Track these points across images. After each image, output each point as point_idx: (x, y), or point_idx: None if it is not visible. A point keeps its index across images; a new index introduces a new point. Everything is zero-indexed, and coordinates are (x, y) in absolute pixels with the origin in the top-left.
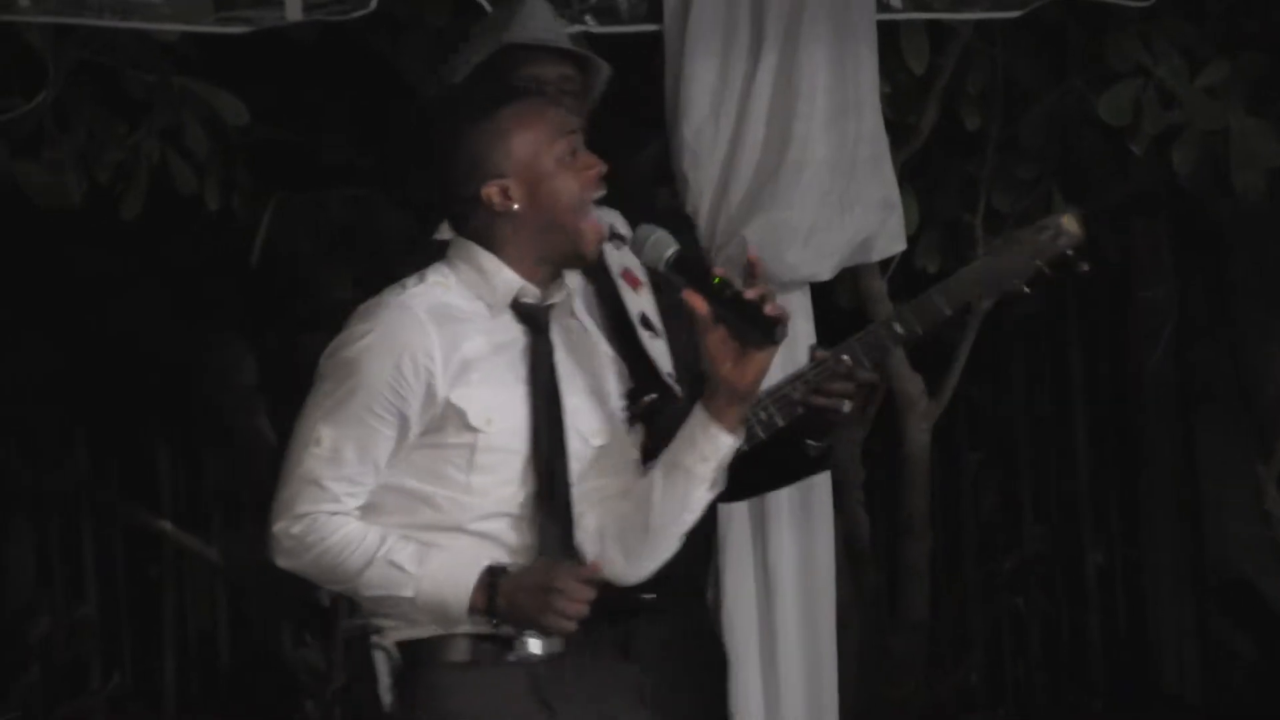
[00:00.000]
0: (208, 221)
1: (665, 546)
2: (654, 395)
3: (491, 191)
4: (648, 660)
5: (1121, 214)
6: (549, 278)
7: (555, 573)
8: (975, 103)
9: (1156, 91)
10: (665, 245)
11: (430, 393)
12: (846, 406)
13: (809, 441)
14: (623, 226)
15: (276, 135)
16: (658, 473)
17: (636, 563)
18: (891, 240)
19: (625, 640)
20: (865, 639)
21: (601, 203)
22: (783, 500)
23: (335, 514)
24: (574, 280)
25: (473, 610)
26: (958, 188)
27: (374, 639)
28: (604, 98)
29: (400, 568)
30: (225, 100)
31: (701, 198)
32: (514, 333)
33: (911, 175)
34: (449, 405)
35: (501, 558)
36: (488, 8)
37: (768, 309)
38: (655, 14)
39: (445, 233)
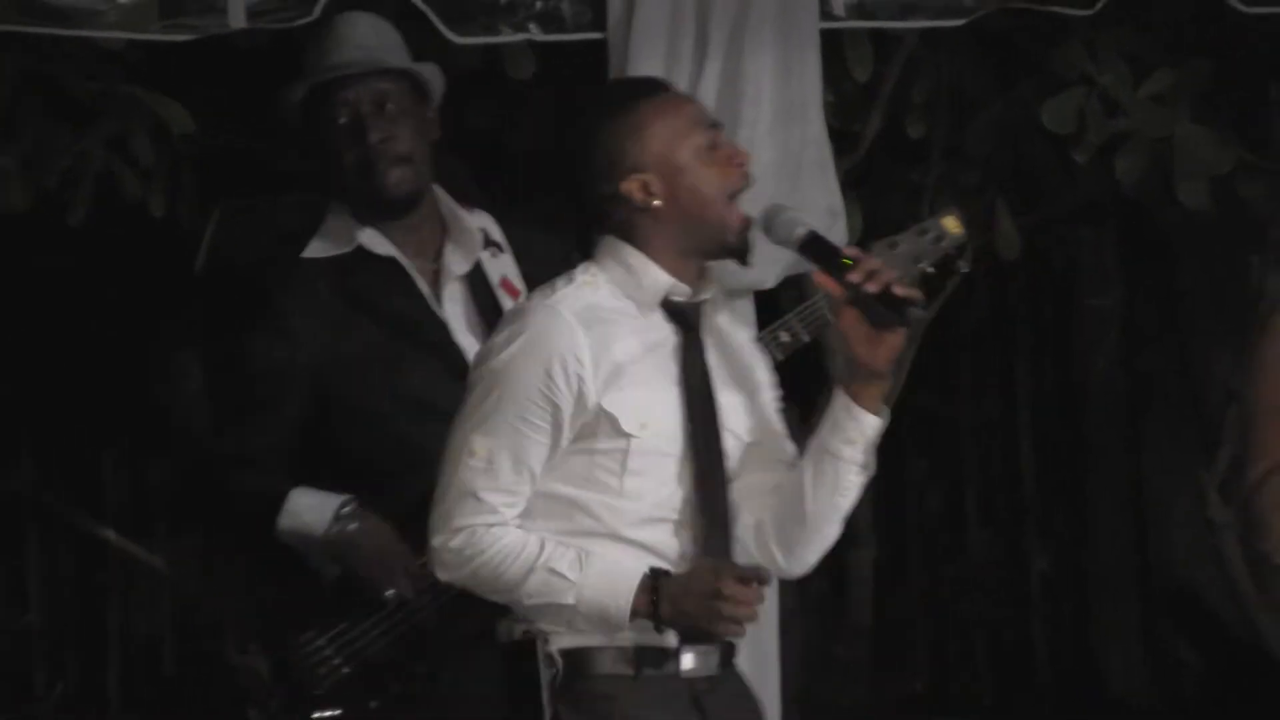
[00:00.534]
0: (155, 227)
1: (824, 536)
2: None
3: (631, 187)
4: None
5: (1068, 222)
6: (697, 273)
7: (721, 577)
8: (920, 111)
9: (1101, 100)
10: (795, 224)
11: (581, 398)
12: None
13: None
14: (497, 232)
15: (224, 142)
16: (808, 461)
17: (798, 556)
18: None
19: None
20: (810, 646)
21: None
22: None
23: (493, 525)
24: (455, 289)
25: (635, 615)
26: (902, 196)
27: (537, 647)
28: (551, 106)
29: (561, 575)
30: (170, 108)
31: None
32: (664, 332)
33: (856, 183)
34: (601, 410)
35: (659, 564)
36: (432, 16)
37: (897, 289)
38: (599, 22)
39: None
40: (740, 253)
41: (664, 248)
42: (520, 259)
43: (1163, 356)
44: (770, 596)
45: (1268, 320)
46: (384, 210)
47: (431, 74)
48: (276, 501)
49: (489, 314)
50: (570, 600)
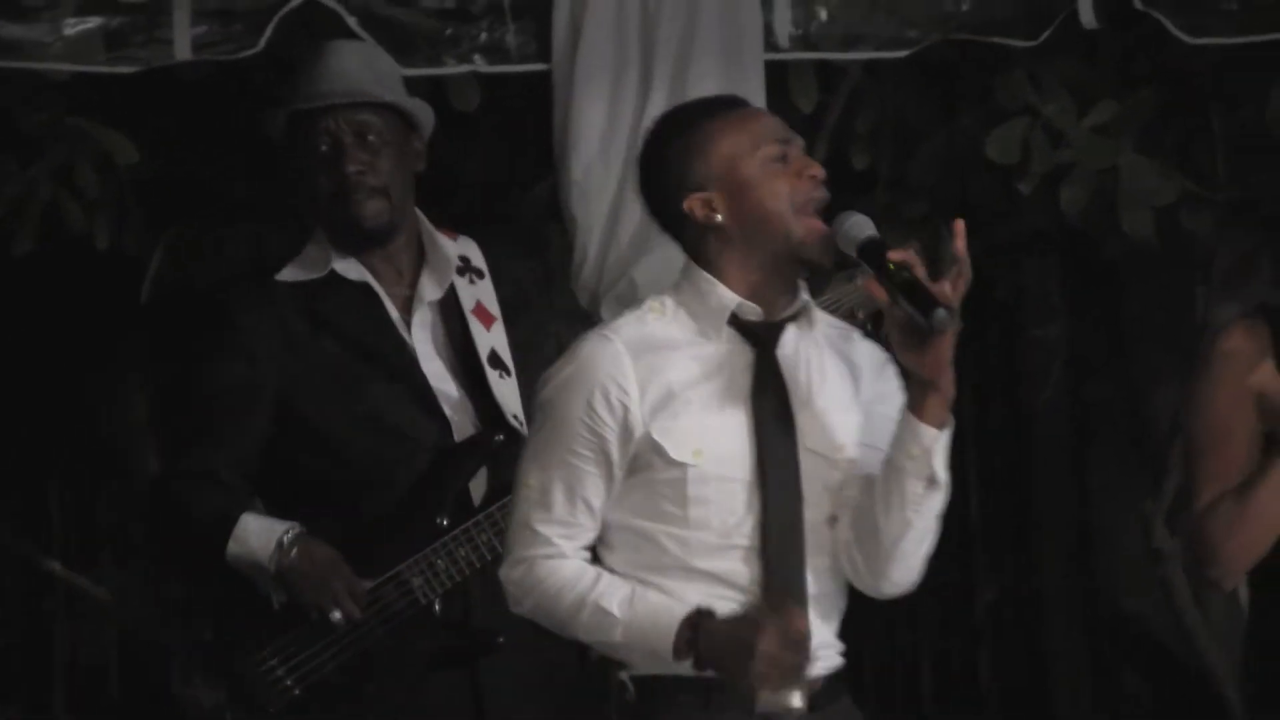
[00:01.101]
0: (100, 258)
1: (905, 555)
2: (500, 436)
3: (693, 204)
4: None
5: (1013, 252)
6: (777, 290)
7: (758, 632)
8: (864, 142)
9: (1045, 130)
10: (861, 229)
11: (627, 427)
12: None
13: None
14: (478, 259)
15: (170, 173)
16: (879, 478)
17: (882, 576)
18: None
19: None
20: None
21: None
22: None
23: (551, 558)
24: (425, 315)
25: (677, 655)
26: None
27: (615, 672)
28: (497, 138)
29: (608, 612)
30: (115, 139)
31: (590, 236)
32: (733, 353)
33: None
34: (649, 440)
35: (735, 596)
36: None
37: (933, 288)
38: (544, 53)
39: None
40: (818, 264)
41: (733, 266)
42: (499, 284)
43: (1108, 387)
44: None
45: (1208, 352)
46: (359, 240)
47: (418, 107)
48: (229, 524)
49: (458, 340)
50: (618, 638)
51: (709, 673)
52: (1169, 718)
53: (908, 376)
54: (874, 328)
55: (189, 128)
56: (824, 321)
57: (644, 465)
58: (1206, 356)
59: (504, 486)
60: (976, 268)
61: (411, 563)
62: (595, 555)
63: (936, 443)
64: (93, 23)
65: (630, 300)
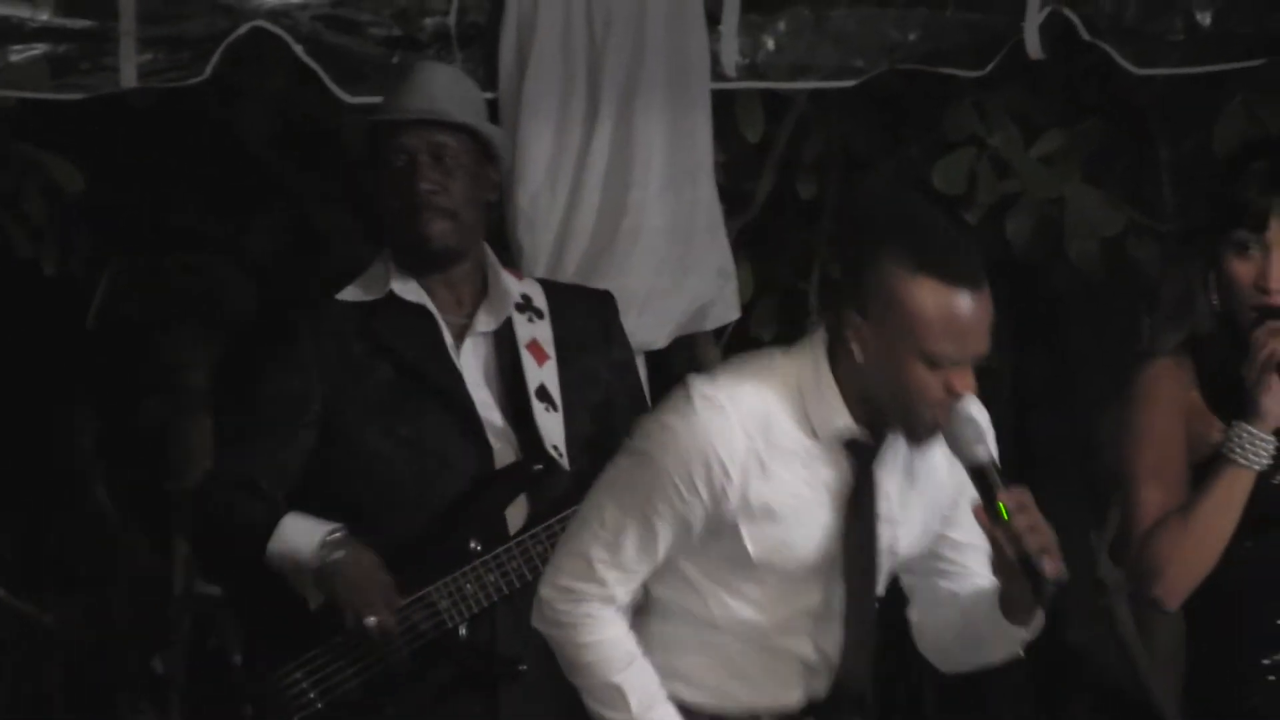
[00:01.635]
0: (47, 285)
1: (980, 664)
2: (539, 466)
3: (850, 321)
4: None
5: None
6: (885, 424)
7: None
8: (811, 171)
9: (991, 161)
10: (975, 442)
11: (717, 509)
12: None
13: None
14: (540, 300)
15: (119, 199)
16: (962, 624)
17: (953, 666)
18: (727, 308)
19: (491, 709)
20: None
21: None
22: None
23: (602, 601)
24: (478, 343)
25: None
26: (793, 256)
27: None
28: None
29: (625, 700)
30: (61, 166)
31: (537, 265)
32: (837, 463)
33: (747, 243)
34: (734, 529)
35: (764, 660)
36: (324, 76)
37: (1045, 565)
38: (491, 82)
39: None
40: (915, 444)
41: (854, 392)
42: (557, 327)
43: (1053, 417)
44: None
45: (1136, 383)
46: (423, 260)
47: (498, 135)
48: (270, 527)
49: (508, 372)
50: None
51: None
52: None
53: (1001, 583)
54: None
55: (136, 155)
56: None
57: (718, 540)
58: (1134, 388)
59: (541, 515)
60: None
61: (440, 585)
62: None
63: (1025, 639)
64: (39, 49)
65: None
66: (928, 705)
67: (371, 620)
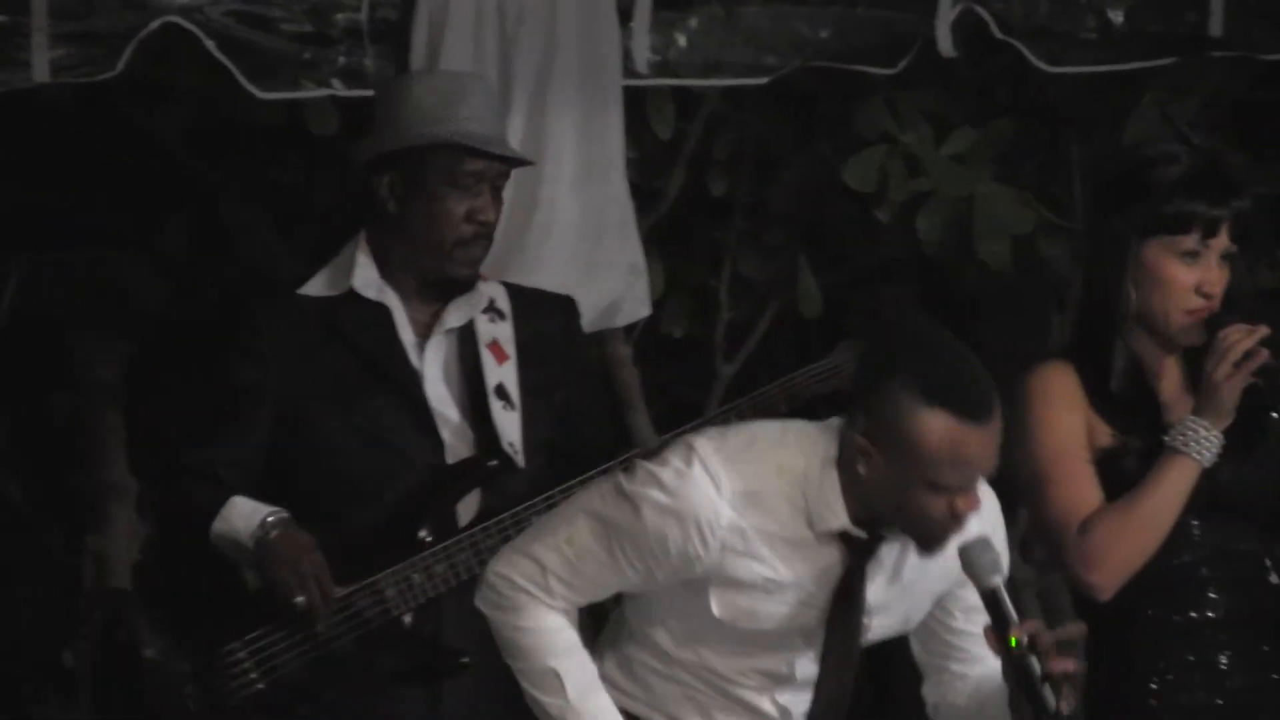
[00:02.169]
0: None
1: None
2: (494, 462)
3: (856, 440)
4: None
5: (869, 280)
6: (884, 526)
7: None
8: (722, 168)
9: (903, 159)
10: (992, 572)
11: (690, 571)
12: None
13: None
14: (504, 302)
15: (28, 196)
16: (972, 714)
17: None
18: (637, 305)
19: (433, 701)
20: None
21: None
22: None
23: (543, 598)
24: (440, 342)
25: None
26: (704, 253)
27: None
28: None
29: (561, 686)
30: None
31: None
32: (824, 552)
33: (658, 240)
34: (705, 589)
35: (721, 702)
36: (235, 71)
37: (1050, 696)
38: None
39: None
40: (926, 553)
41: (857, 496)
42: (519, 329)
43: None
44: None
45: (1024, 391)
46: (455, 283)
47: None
48: (217, 508)
49: (470, 370)
50: (553, 713)
51: None
52: None
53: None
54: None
55: (45, 152)
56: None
57: (688, 592)
58: (1030, 390)
59: (492, 511)
60: (833, 296)
61: (388, 574)
62: None
63: None
64: None
65: None
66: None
67: (301, 599)
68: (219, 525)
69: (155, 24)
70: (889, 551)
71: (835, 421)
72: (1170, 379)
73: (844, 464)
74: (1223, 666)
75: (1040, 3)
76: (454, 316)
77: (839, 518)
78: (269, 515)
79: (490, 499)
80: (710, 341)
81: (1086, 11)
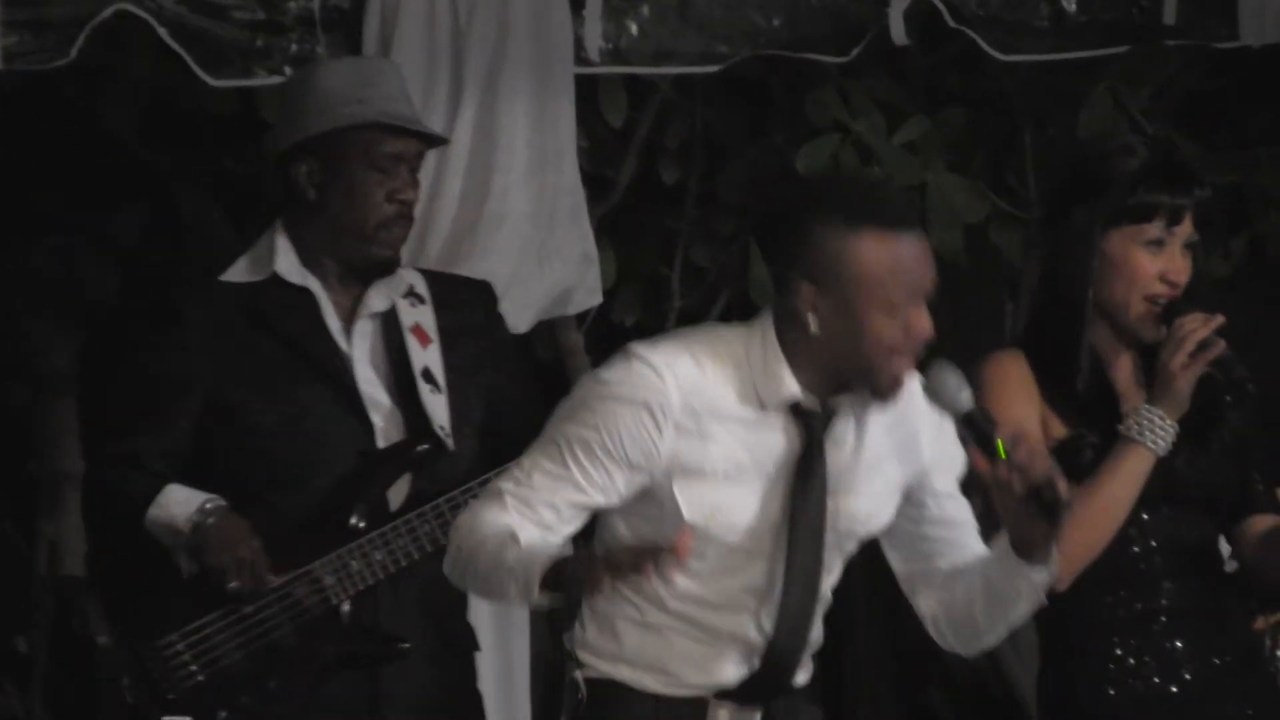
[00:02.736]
0: None
1: (1000, 634)
2: (425, 446)
3: (800, 290)
4: (397, 709)
5: None
6: (838, 390)
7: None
8: (674, 156)
9: (855, 147)
10: (958, 392)
11: (646, 467)
12: None
13: None
14: (422, 287)
15: None
16: (979, 591)
17: (973, 648)
18: (589, 293)
19: (372, 687)
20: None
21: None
22: None
23: (499, 517)
24: (366, 326)
25: (543, 586)
26: (656, 241)
27: (571, 672)
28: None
29: (515, 539)
30: None
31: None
32: (783, 434)
33: (610, 229)
34: (668, 490)
35: (707, 640)
36: (188, 59)
37: (1053, 492)
38: None
39: None
40: (885, 400)
41: (806, 361)
42: (439, 312)
43: None
44: (522, 639)
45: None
46: (376, 265)
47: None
48: (151, 497)
49: (395, 353)
50: (509, 559)
51: (666, 689)
52: None
53: (1010, 534)
54: (985, 507)
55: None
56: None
57: (655, 504)
58: (984, 379)
59: (424, 495)
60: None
61: (325, 561)
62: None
63: (1043, 581)
64: None
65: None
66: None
67: (235, 585)
68: (154, 512)
69: (108, 11)
70: (846, 427)
71: (765, 314)
72: (1124, 371)
73: (786, 335)
74: (1177, 655)
75: None
76: (376, 300)
77: (789, 386)
78: (206, 502)
79: (421, 483)
80: (662, 330)
81: (1039, 0)
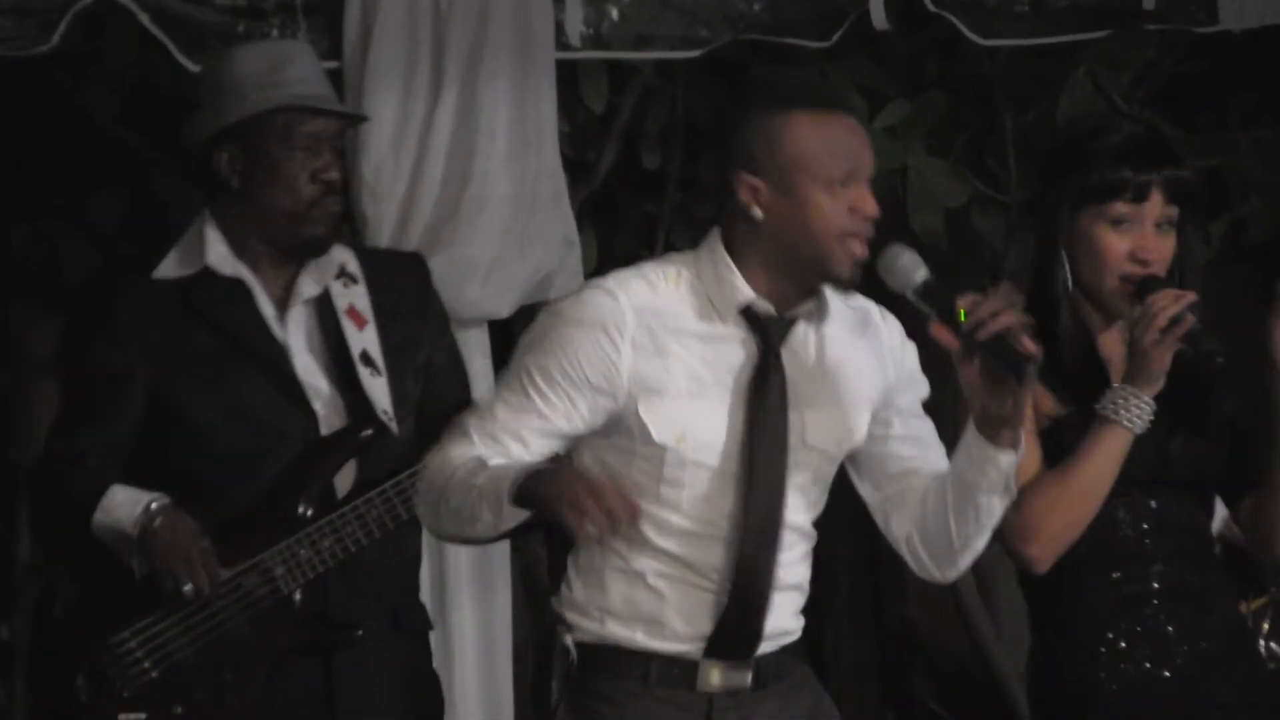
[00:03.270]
0: None
1: (976, 547)
2: (369, 431)
3: (742, 185)
4: (353, 694)
5: None
6: (795, 293)
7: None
8: (655, 141)
9: None
10: (913, 269)
11: (607, 390)
12: None
13: None
14: (354, 265)
15: None
16: (948, 490)
17: (949, 567)
18: (570, 277)
19: (327, 674)
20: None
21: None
22: None
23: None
24: (300, 313)
25: (514, 500)
26: (637, 226)
27: (561, 637)
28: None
29: (483, 466)
30: None
31: (381, 234)
32: (739, 344)
33: (591, 213)
34: (634, 413)
35: (698, 581)
36: (169, 43)
37: (1018, 345)
38: (335, 51)
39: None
40: (843, 286)
41: (757, 259)
42: (373, 291)
43: None
44: (504, 626)
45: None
46: (307, 246)
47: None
48: (96, 498)
49: (332, 338)
50: (479, 481)
51: (657, 647)
52: None
53: (978, 413)
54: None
55: None
56: (839, 307)
57: (625, 433)
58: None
59: (371, 480)
60: None
61: (274, 551)
62: None
63: (1010, 465)
64: None
65: None
66: None
67: (189, 587)
68: (100, 517)
69: None
70: (805, 336)
71: (710, 235)
72: (1113, 347)
73: (734, 240)
74: (1168, 638)
75: None
76: (308, 286)
77: (742, 290)
78: (152, 502)
79: (367, 468)
80: None
81: None
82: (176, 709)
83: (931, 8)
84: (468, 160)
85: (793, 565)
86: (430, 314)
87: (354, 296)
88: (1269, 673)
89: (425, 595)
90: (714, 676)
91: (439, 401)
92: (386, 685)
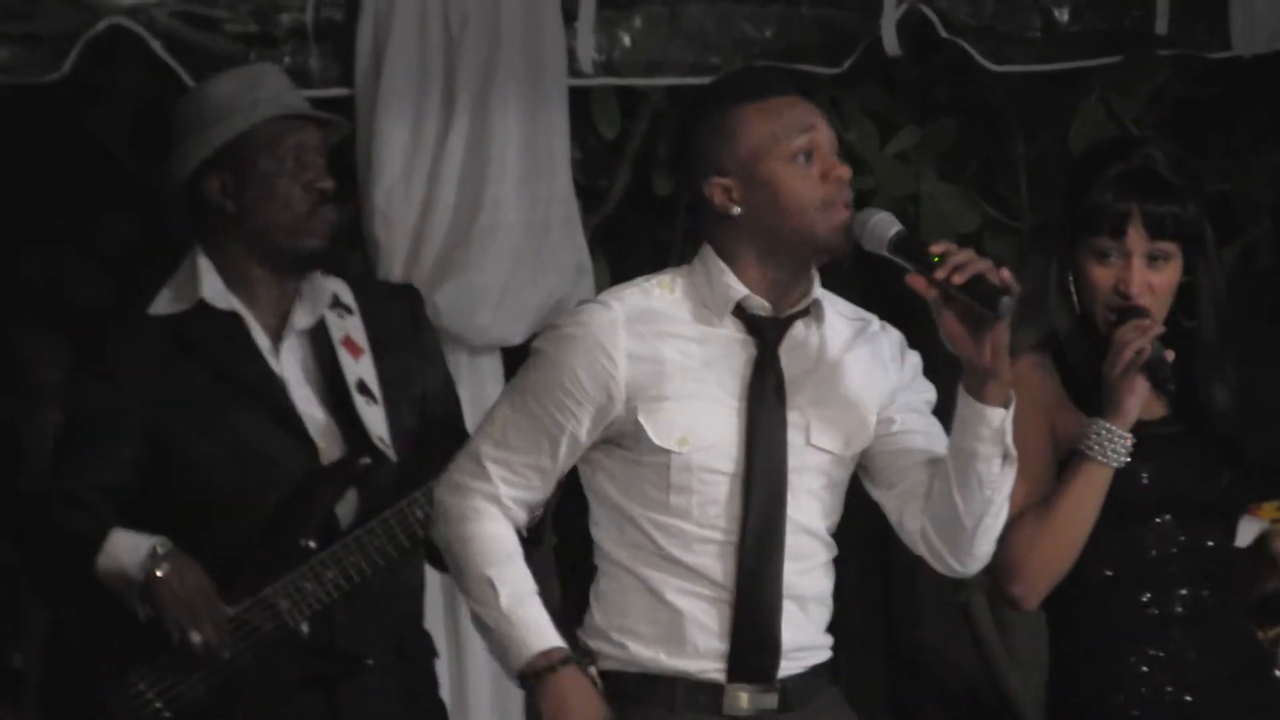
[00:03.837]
0: None
1: (987, 529)
2: (368, 459)
3: (714, 190)
4: None
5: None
6: (788, 285)
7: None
8: (666, 168)
9: (847, 157)
10: (887, 226)
11: (608, 400)
12: None
13: None
14: (348, 296)
15: None
16: (949, 466)
17: (967, 555)
18: None
19: (331, 704)
20: None
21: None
22: None
23: (486, 498)
24: (295, 344)
25: (520, 681)
26: (649, 252)
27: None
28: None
29: (496, 596)
30: None
31: (393, 261)
32: (736, 343)
33: (603, 239)
34: (633, 420)
35: (710, 593)
36: (178, 69)
37: (989, 277)
38: (347, 78)
39: None
40: (836, 254)
41: (747, 256)
42: (367, 321)
43: None
44: None
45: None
46: (304, 260)
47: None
48: (98, 541)
49: (328, 368)
50: (489, 623)
51: (683, 672)
52: None
53: (966, 367)
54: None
55: None
56: (838, 314)
57: (629, 443)
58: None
59: (371, 509)
60: None
61: (279, 585)
62: (588, 531)
63: (1005, 421)
64: None
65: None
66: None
67: (197, 639)
68: (104, 562)
69: (101, 25)
70: (804, 333)
71: (702, 251)
72: None
73: (721, 243)
74: (1189, 662)
75: (985, 2)
76: (302, 317)
77: (735, 287)
78: (157, 547)
79: (368, 497)
80: None
81: (1032, 10)
82: None
83: (943, 33)
84: (479, 187)
85: (809, 574)
86: (422, 345)
87: (350, 327)
88: None
89: (437, 623)
90: (742, 700)
91: (433, 425)
92: (391, 714)
